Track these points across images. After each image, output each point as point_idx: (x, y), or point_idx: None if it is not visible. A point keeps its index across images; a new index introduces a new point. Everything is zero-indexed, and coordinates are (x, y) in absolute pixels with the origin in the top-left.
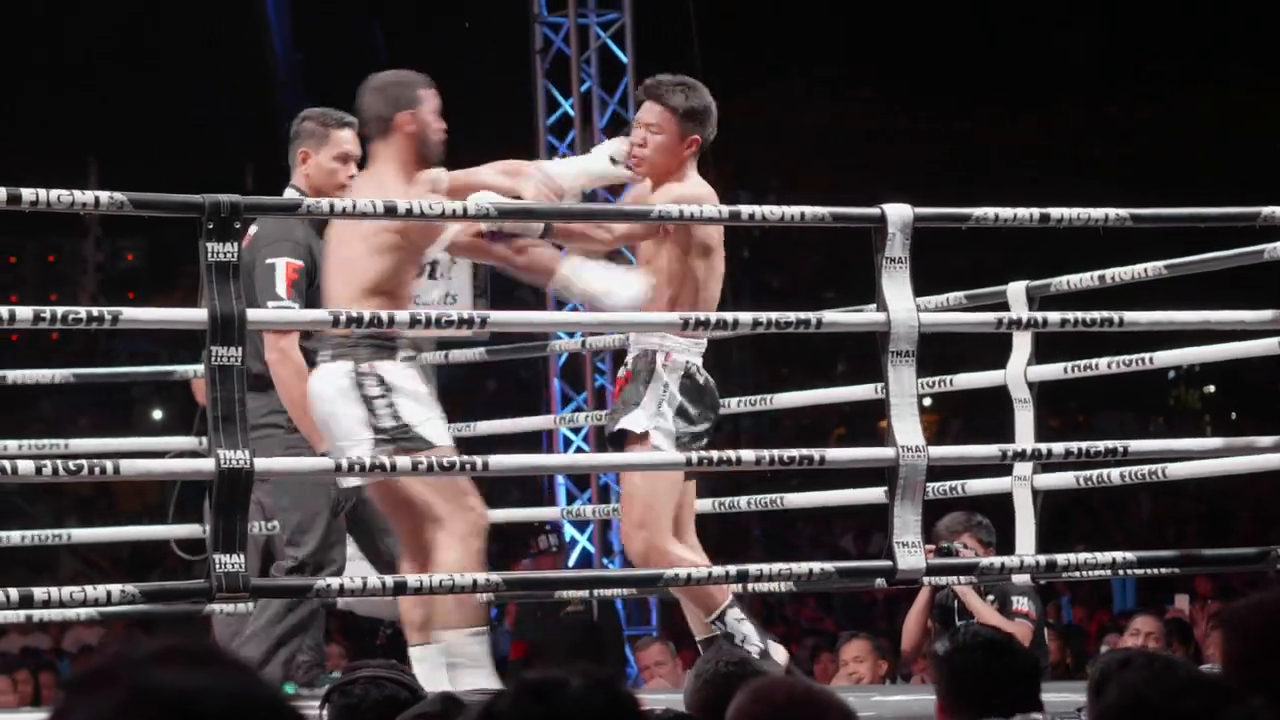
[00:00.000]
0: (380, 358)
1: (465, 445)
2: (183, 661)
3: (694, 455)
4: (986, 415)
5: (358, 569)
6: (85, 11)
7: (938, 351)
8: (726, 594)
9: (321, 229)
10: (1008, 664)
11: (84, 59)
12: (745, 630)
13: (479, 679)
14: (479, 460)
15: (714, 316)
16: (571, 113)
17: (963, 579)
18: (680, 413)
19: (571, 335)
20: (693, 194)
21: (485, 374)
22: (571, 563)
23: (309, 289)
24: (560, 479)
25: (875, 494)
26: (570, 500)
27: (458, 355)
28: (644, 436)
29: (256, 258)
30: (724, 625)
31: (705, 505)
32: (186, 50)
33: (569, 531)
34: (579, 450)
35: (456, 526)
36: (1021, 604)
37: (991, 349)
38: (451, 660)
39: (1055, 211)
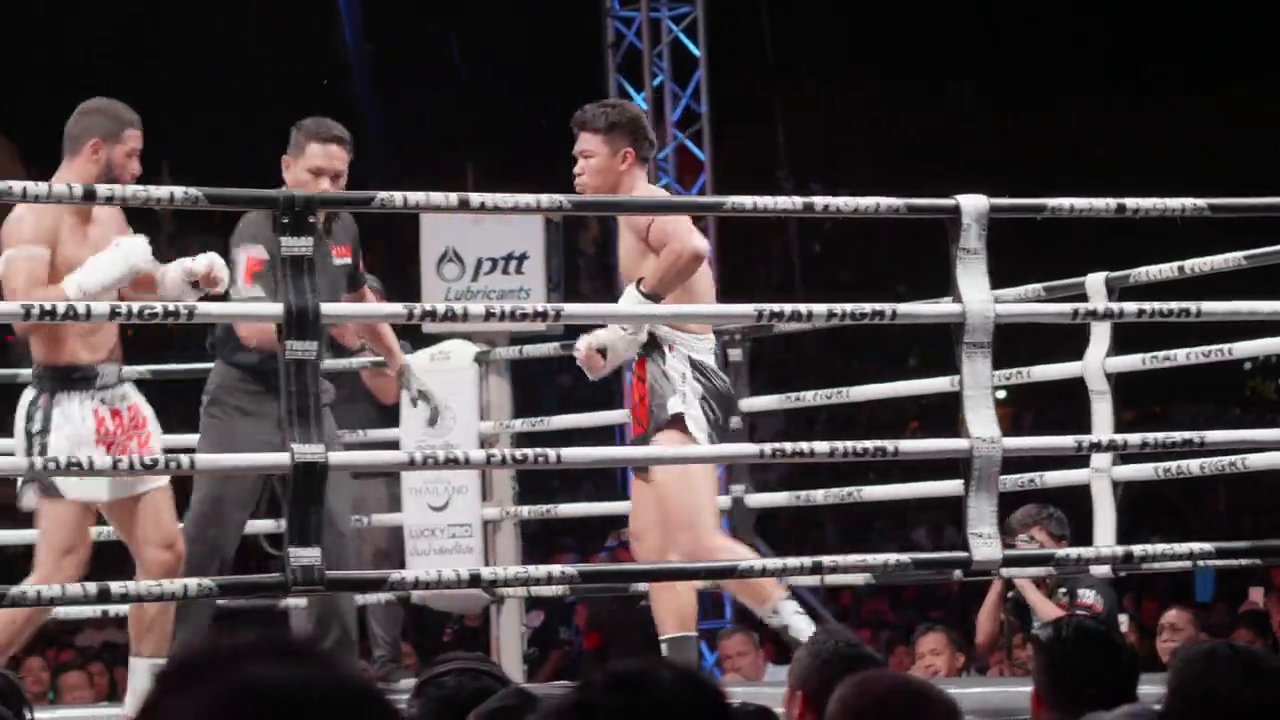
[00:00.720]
0: None
1: (540, 440)
2: (274, 656)
3: (768, 447)
4: (1060, 408)
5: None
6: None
7: (1013, 344)
8: (778, 587)
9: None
10: (1109, 656)
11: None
12: (800, 624)
13: None
14: (552, 453)
15: (789, 308)
16: (645, 106)
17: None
18: (704, 402)
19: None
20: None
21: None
22: None
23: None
24: (632, 473)
25: (952, 487)
26: None
27: (532, 350)
28: (678, 422)
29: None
30: (778, 617)
31: (781, 498)
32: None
33: None
34: None
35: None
36: (1087, 597)
37: (1061, 342)
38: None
39: (1131, 202)
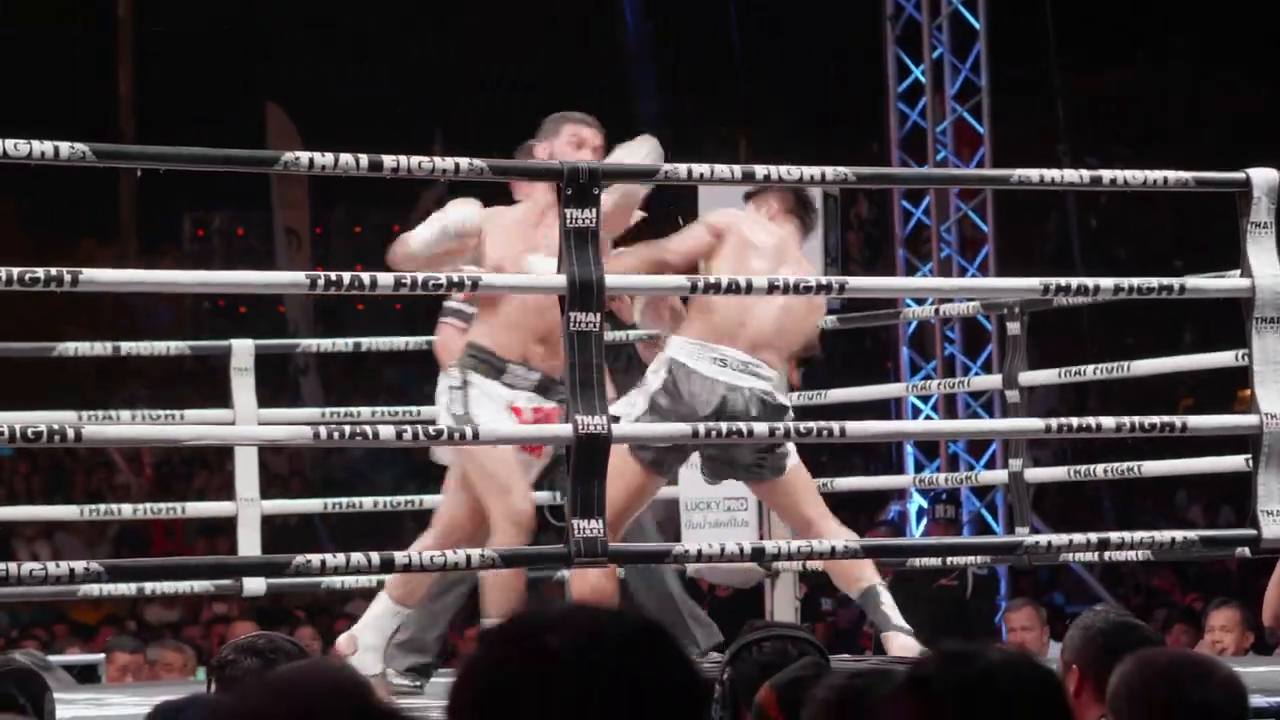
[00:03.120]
0: None
1: (816, 413)
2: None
3: (1054, 422)
4: None
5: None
6: None
7: None
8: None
9: None
10: None
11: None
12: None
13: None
14: (835, 426)
15: (1075, 282)
16: (923, 79)
17: None
18: (651, 408)
19: (922, 303)
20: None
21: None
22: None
23: None
24: (909, 447)
25: (1233, 462)
26: (919, 469)
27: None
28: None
29: None
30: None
31: (1060, 473)
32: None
33: (919, 500)
34: (928, 419)
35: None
36: None
37: None
38: None
39: None
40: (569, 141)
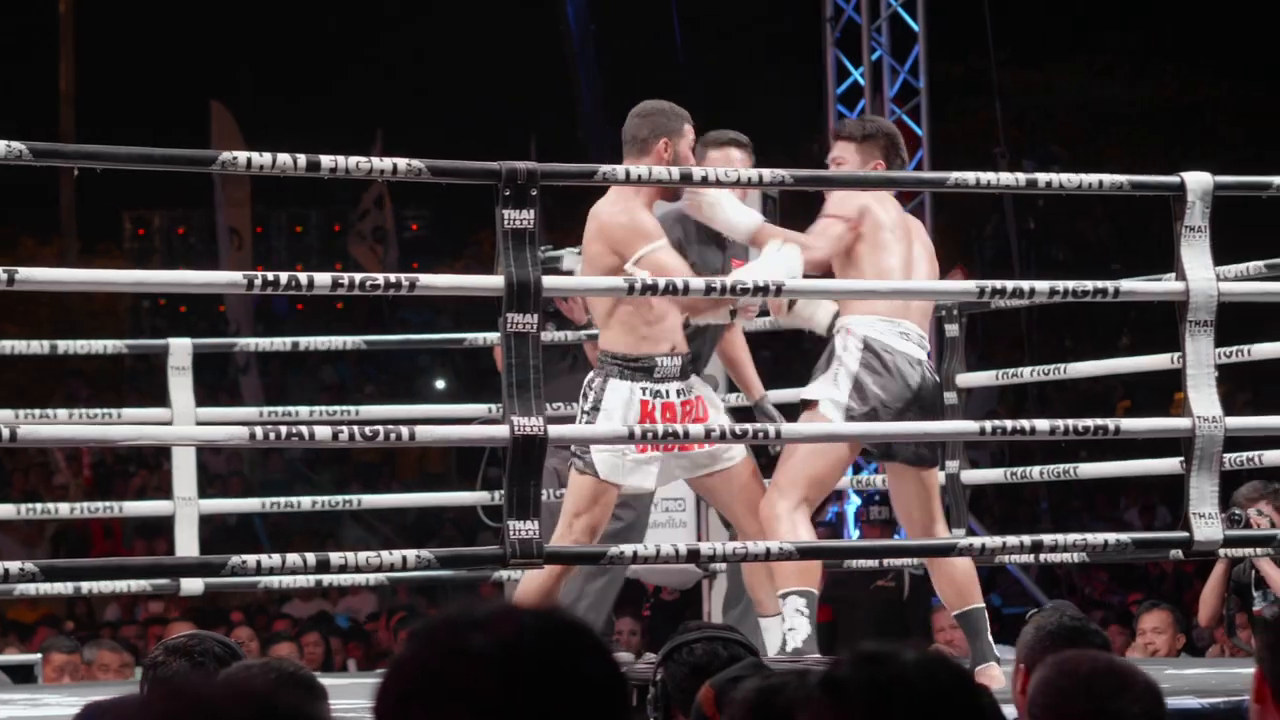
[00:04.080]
0: None
1: (748, 415)
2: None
3: (988, 424)
4: (1277, 388)
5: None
6: None
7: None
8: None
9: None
10: None
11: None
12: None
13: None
14: (772, 428)
15: (1011, 285)
16: (862, 82)
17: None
18: (855, 387)
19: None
20: None
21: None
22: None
23: None
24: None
25: (1168, 465)
26: (857, 470)
27: (746, 324)
28: (815, 405)
29: None
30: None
31: (996, 475)
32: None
33: (856, 501)
34: None
35: None
36: None
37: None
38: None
39: None
40: (691, 145)
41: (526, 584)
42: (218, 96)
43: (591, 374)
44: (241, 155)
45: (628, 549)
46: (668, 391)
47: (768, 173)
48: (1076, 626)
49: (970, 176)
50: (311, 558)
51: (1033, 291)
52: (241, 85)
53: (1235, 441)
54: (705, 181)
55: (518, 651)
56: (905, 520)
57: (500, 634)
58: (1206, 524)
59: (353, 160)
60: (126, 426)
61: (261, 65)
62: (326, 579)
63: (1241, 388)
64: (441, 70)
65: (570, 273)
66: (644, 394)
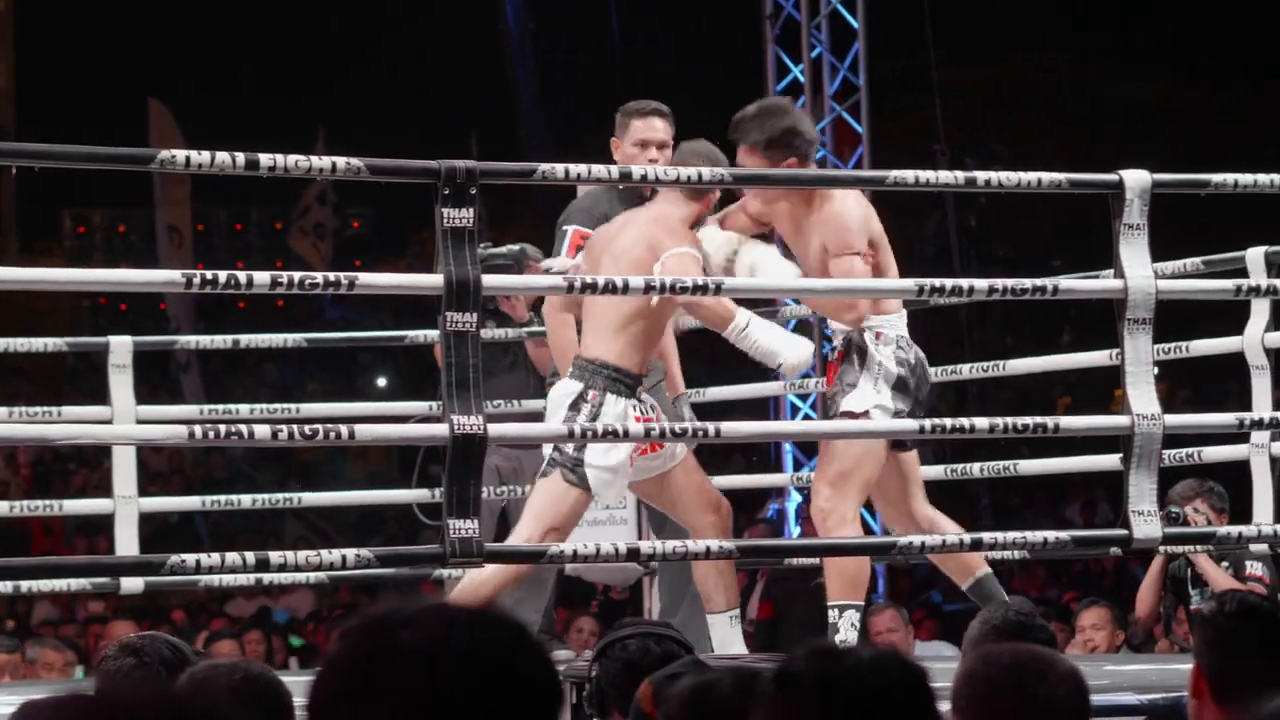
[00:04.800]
0: None
1: (695, 411)
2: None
3: (927, 423)
4: (1215, 384)
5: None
6: None
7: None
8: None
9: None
10: (1277, 635)
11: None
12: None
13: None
14: (711, 427)
15: (950, 283)
16: (801, 79)
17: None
18: (897, 387)
19: (801, 302)
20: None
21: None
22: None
23: None
24: (788, 446)
25: (1108, 461)
26: (798, 467)
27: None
28: (864, 415)
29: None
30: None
31: (935, 472)
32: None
33: (797, 498)
34: (806, 418)
35: None
36: (1256, 569)
37: (1221, 317)
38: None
39: None
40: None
41: (474, 583)
42: (156, 95)
43: (575, 383)
44: (180, 154)
45: (568, 548)
46: (645, 403)
47: (707, 171)
48: (1022, 622)
49: (909, 175)
50: (251, 557)
51: (972, 290)
52: (181, 84)
53: (1175, 438)
54: (645, 179)
55: (448, 649)
56: (883, 504)
57: (430, 632)
58: (1145, 521)
59: (292, 159)
60: (65, 425)
61: (201, 63)
62: (267, 578)
63: (1182, 385)
64: (384, 68)
65: (548, 271)
66: (635, 409)
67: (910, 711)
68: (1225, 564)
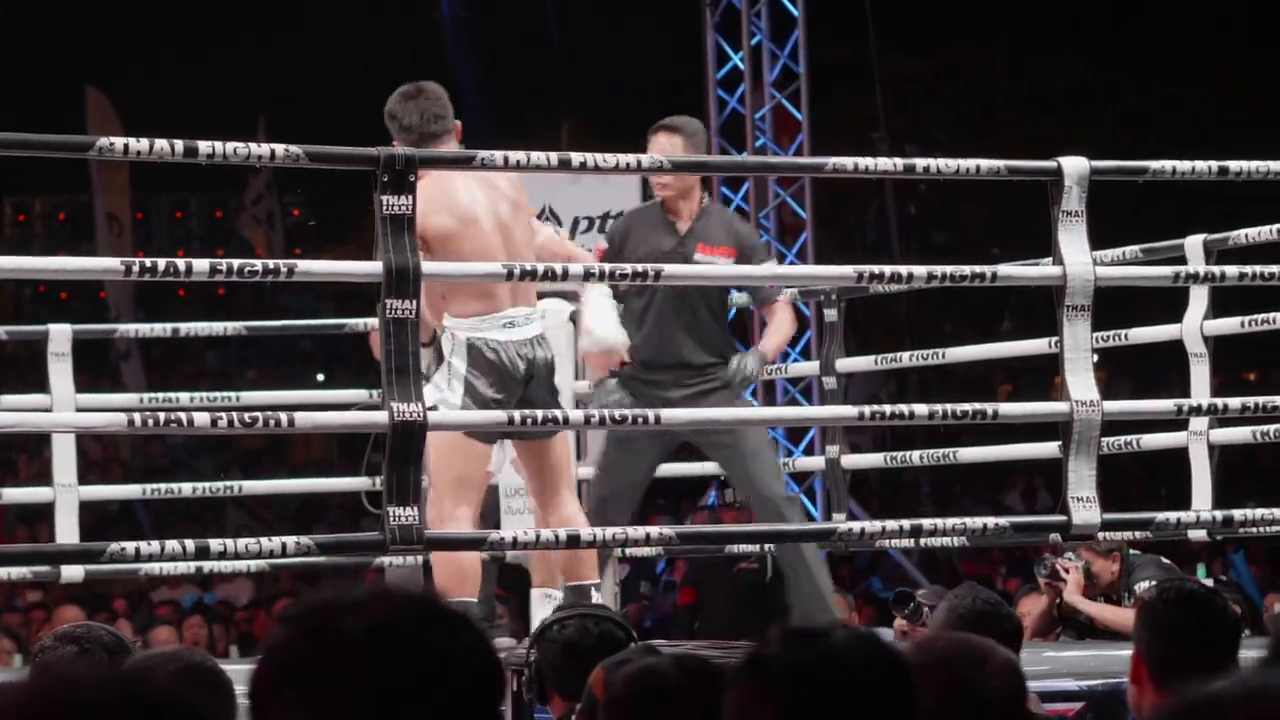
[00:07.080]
0: None
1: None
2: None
3: (867, 409)
4: (1155, 372)
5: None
6: None
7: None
8: (596, 575)
9: None
10: (1212, 619)
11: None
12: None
13: None
14: (650, 414)
15: (889, 269)
16: (741, 66)
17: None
18: (468, 389)
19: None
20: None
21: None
22: None
23: None
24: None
25: (1048, 449)
26: None
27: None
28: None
29: None
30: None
31: (876, 459)
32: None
33: None
34: (793, 401)
35: None
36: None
37: (1160, 305)
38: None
39: (1234, 165)
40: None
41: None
42: (95, 82)
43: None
44: (119, 141)
45: (508, 535)
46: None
47: (646, 158)
48: (988, 611)
49: (848, 162)
50: (191, 544)
51: (911, 276)
52: (121, 71)
53: (1114, 425)
54: (584, 167)
55: (389, 634)
56: (535, 490)
57: (372, 617)
58: (1085, 508)
59: (230, 146)
60: (4, 414)
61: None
62: (207, 565)
63: (1123, 372)
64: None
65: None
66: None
67: (884, 695)
68: (1128, 594)
